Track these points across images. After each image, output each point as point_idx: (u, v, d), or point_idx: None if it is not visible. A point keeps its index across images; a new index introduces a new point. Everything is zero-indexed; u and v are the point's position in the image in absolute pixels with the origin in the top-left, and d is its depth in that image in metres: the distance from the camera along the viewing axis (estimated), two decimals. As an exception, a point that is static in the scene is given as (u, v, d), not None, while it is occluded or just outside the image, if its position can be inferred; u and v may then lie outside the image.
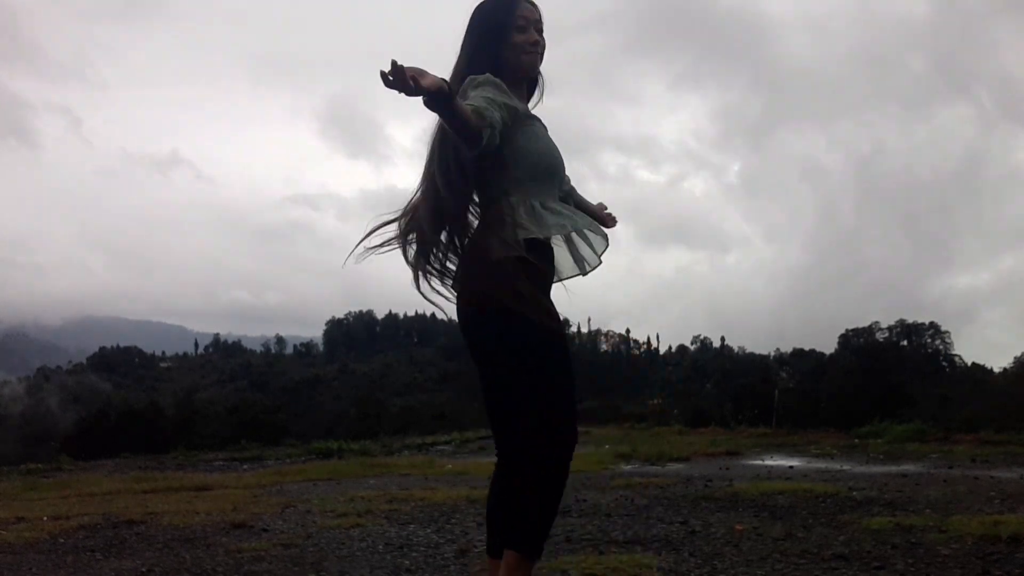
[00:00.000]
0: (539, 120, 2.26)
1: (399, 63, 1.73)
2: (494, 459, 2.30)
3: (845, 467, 7.99)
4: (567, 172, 2.36)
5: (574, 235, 2.26)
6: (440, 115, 1.94)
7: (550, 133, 2.27)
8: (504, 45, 2.22)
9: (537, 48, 2.26)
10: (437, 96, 1.82)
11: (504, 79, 2.15)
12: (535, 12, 2.26)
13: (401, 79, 1.74)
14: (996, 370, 49.62)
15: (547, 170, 2.20)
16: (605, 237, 2.27)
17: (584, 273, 2.29)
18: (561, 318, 2.18)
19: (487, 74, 2.14)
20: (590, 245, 2.29)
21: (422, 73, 1.78)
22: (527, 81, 2.30)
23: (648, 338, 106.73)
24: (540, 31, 2.27)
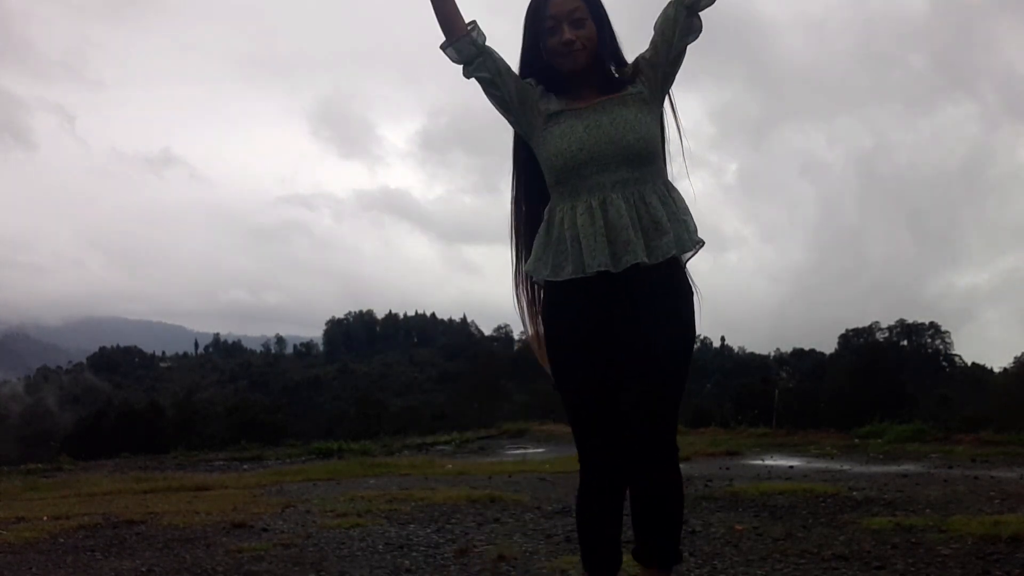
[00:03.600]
0: (576, 111, 2.14)
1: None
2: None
3: (845, 467, 7.98)
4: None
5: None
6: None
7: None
8: (542, 51, 2.18)
9: (570, 48, 2.12)
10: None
11: (557, 77, 2.18)
12: (568, 2, 2.12)
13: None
14: (996, 370, 49.72)
15: (566, 168, 2.11)
16: (606, 250, 2.06)
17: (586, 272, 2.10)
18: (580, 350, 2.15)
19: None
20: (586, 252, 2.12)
21: None
22: (593, 69, 2.17)
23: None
24: (580, 19, 2.12)
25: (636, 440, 2.10)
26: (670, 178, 2.23)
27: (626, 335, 2.11)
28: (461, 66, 2.20)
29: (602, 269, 2.05)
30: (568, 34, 2.11)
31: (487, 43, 2.19)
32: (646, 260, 2.05)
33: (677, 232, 2.11)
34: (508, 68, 2.20)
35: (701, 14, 2.15)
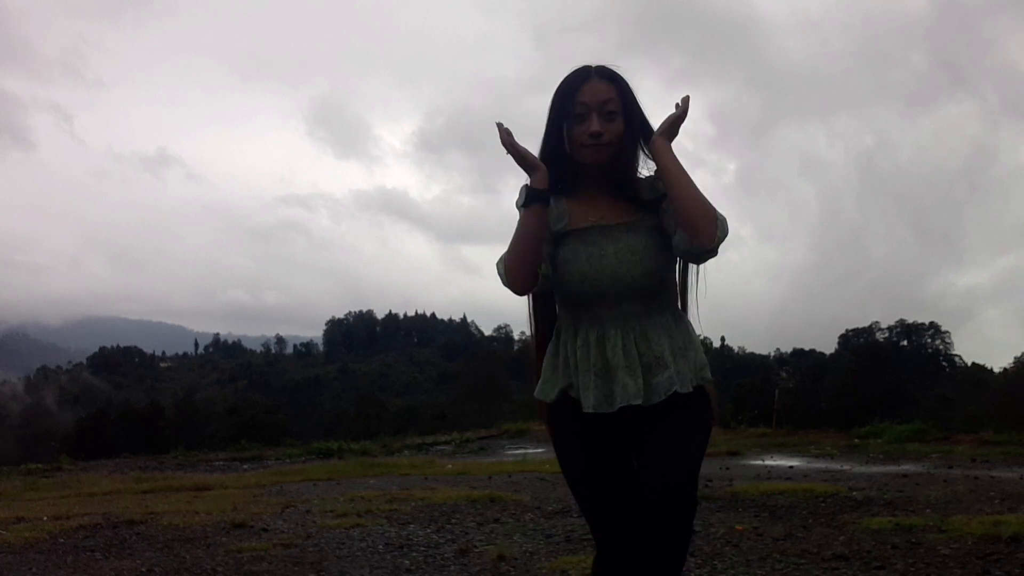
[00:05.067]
0: (582, 233, 2.00)
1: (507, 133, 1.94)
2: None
3: (845, 467, 7.99)
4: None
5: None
6: (521, 213, 1.92)
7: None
8: (565, 138, 2.00)
9: (598, 139, 1.95)
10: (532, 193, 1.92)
11: (580, 175, 2.02)
12: (603, 91, 1.96)
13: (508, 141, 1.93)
14: (996, 370, 49.71)
15: (568, 298, 2.01)
16: (598, 391, 1.97)
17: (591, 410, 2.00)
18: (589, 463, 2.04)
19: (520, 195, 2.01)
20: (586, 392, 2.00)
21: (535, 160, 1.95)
22: (614, 171, 1.99)
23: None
24: (612, 113, 1.96)
25: (641, 557, 1.97)
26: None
27: (630, 461, 2.03)
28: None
29: (593, 412, 1.96)
30: (596, 125, 1.95)
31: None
32: (641, 403, 1.95)
33: (679, 367, 1.98)
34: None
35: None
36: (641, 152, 2.03)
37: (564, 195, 2.02)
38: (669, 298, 2.05)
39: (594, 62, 2.00)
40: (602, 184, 2.01)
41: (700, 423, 2.02)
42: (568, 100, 1.97)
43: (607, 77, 1.97)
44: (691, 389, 1.98)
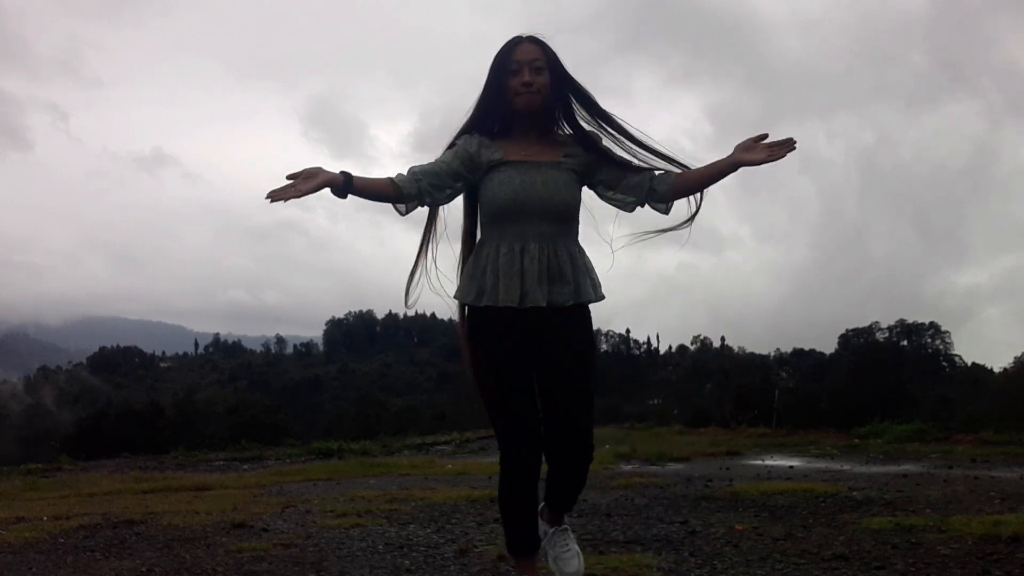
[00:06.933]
0: (516, 164, 2.44)
1: (277, 189, 2.23)
2: (493, 459, 2.49)
3: (845, 467, 7.98)
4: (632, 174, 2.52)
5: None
6: (352, 196, 2.34)
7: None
8: (504, 92, 2.45)
9: (530, 88, 2.41)
10: (333, 190, 2.28)
11: (514, 121, 2.49)
12: (532, 51, 2.43)
13: (285, 192, 2.22)
14: (996, 370, 49.67)
15: (498, 213, 2.45)
16: (512, 290, 2.41)
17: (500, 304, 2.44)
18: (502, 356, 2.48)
19: (460, 133, 2.52)
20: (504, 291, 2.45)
21: (313, 174, 2.24)
22: (541, 118, 2.48)
23: (648, 338, 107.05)
24: (540, 68, 2.41)
25: (560, 437, 2.51)
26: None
27: (536, 357, 2.48)
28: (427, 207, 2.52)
29: (510, 305, 2.41)
30: (528, 76, 2.41)
31: (416, 166, 2.45)
32: (543, 305, 2.41)
33: (579, 284, 2.46)
34: (449, 161, 2.46)
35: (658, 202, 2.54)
36: (558, 112, 2.50)
37: (500, 137, 2.49)
38: (575, 229, 2.53)
39: (525, 33, 2.47)
40: (532, 131, 2.49)
41: (590, 358, 2.54)
42: (505, 59, 2.44)
43: (535, 42, 2.45)
44: (594, 299, 2.49)
